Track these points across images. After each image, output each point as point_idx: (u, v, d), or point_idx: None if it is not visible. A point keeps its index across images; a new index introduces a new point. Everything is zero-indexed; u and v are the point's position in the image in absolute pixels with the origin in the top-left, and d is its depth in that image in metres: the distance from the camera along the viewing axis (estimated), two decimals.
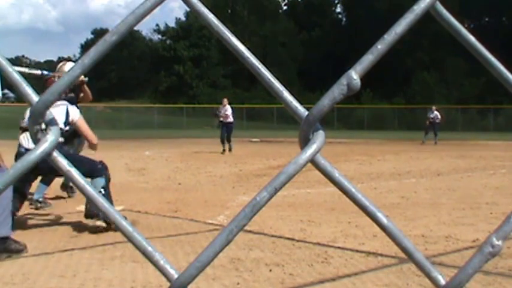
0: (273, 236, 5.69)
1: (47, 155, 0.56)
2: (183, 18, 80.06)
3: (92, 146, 6.27)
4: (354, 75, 0.59)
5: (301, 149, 0.60)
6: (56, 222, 6.49)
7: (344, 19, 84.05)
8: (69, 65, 7.75)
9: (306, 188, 9.25)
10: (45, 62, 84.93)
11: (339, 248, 5.19)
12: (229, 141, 20.19)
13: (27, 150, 5.58)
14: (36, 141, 0.56)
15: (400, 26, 0.61)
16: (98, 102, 64.53)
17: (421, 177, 11.72)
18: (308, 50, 74.76)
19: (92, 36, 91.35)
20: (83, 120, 6.22)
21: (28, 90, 0.56)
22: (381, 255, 4.87)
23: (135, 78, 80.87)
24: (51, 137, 0.56)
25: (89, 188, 0.58)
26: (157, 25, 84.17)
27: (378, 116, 57.25)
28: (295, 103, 0.61)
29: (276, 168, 12.93)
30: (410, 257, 0.62)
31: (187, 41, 74.81)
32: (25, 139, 6.04)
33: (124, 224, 0.58)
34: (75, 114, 6.10)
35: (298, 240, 5.50)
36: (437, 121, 27.79)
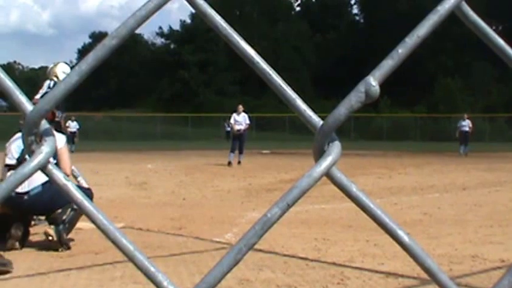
0: (284, 255, 5.68)
1: (42, 168, 0.56)
2: (188, 21, 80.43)
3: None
4: (373, 81, 0.59)
5: (315, 162, 0.60)
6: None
7: (362, 21, 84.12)
8: (61, 66, 7.84)
9: (320, 204, 9.23)
10: (40, 68, 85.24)
11: (356, 268, 5.17)
12: (241, 152, 20.18)
13: (17, 194, 5.73)
14: (30, 153, 0.56)
15: (423, 29, 0.61)
16: (96, 112, 64.83)
17: (445, 192, 11.67)
18: (323, 54, 74.83)
19: (90, 40, 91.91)
20: (67, 149, 6.70)
21: (22, 98, 0.57)
22: (402, 276, 4.85)
23: (136, 85, 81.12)
24: (47, 149, 0.56)
25: (86, 204, 0.58)
26: (160, 28, 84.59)
27: (398, 125, 57.09)
28: (308, 112, 0.61)
29: (288, 182, 12.91)
30: (433, 278, 0.62)
31: (193, 44, 74.99)
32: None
33: (124, 242, 0.58)
34: (60, 141, 6.41)
35: (312, 260, 5.48)
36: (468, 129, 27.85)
